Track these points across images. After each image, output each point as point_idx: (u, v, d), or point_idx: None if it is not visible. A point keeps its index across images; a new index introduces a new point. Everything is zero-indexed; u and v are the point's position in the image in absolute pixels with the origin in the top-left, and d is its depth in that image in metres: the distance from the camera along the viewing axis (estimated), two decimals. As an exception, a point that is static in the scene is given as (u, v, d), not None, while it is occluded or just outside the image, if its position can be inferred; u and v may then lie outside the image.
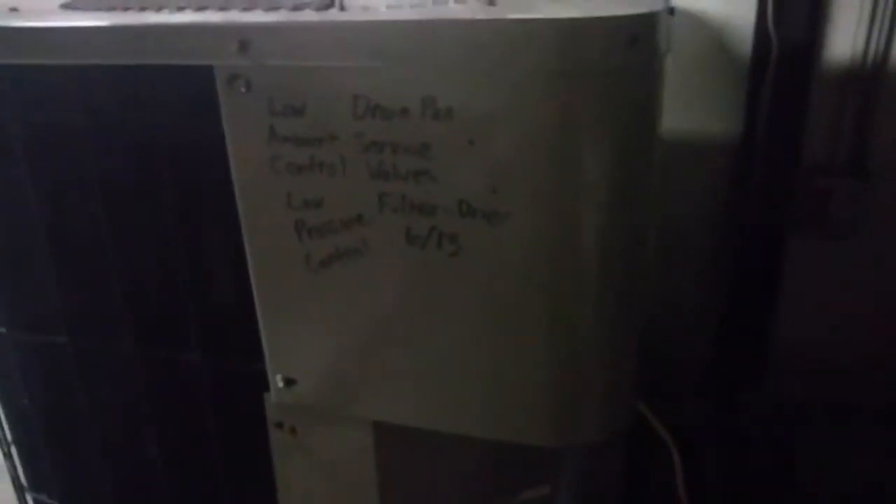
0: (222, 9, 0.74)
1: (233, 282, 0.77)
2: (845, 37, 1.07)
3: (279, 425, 0.79)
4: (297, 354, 0.75)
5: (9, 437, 1.01)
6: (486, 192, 0.66)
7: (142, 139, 0.76)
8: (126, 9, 0.76)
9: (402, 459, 0.79)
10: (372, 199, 0.69)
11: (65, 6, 0.80)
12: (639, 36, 0.63)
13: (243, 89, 0.68)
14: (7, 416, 1.01)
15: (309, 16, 0.69)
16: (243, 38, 0.66)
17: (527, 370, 0.71)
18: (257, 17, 0.68)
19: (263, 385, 0.78)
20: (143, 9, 0.75)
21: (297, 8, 0.71)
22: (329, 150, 0.68)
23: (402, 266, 0.70)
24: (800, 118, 1.13)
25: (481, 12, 0.64)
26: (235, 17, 0.70)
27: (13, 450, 1.02)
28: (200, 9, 0.74)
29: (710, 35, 1.10)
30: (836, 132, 1.14)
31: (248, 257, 0.74)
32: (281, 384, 0.76)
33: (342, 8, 0.71)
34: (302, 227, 0.72)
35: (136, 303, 0.84)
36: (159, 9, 0.75)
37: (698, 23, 1.08)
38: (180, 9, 0.75)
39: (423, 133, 0.65)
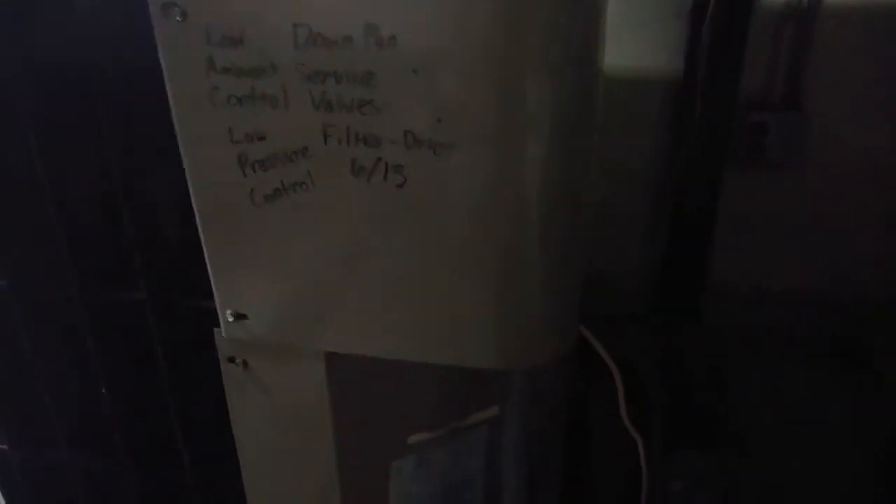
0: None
1: (178, 218, 0.76)
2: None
3: (231, 360, 0.80)
4: (246, 289, 0.76)
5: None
6: (431, 123, 0.67)
7: (77, 73, 0.73)
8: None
9: (355, 389, 0.81)
10: (316, 131, 0.68)
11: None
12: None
13: (178, 18, 0.66)
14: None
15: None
16: (176, -37, 0.63)
17: (474, 298, 0.73)
18: (189, -59, 0.66)
19: (213, 321, 0.78)
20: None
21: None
22: (270, 81, 0.67)
23: (349, 198, 0.71)
24: (739, 54, 1.15)
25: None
26: (166, -59, 0.67)
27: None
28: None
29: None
30: (772, 68, 1.17)
31: (192, 193, 0.73)
32: (231, 319, 0.76)
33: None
34: (245, 161, 0.71)
35: (78, 244, 0.82)
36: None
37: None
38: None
39: (367, 62, 0.64)
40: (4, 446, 1.04)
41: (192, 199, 0.73)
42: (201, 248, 0.75)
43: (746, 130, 1.20)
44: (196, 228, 0.74)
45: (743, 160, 1.22)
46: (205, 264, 0.75)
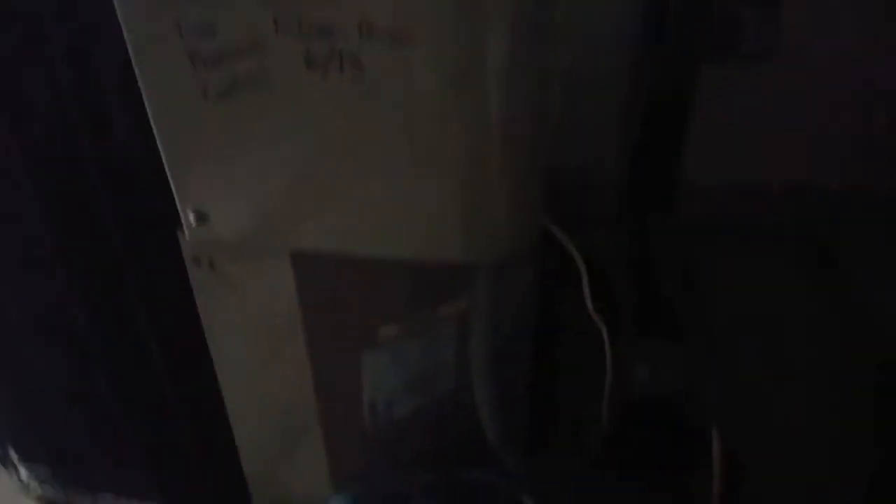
0: None
1: (133, 119, 0.74)
2: None
3: (196, 261, 0.80)
4: (206, 189, 0.75)
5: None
6: (388, 11, 0.64)
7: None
8: None
9: (323, 286, 0.82)
10: (266, 22, 0.66)
11: None
12: None
13: None
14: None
15: None
16: None
17: (438, 193, 0.73)
18: None
19: (176, 222, 0.77)
20: None
21: None
22: (215, -32, 0.63)
23: (306, 94, 0.69)
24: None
25: None
26: None
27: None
28: None
29: None
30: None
31: (144, 93, 0.71)
32: (193, 220, 0.76)
33: None
34: (196, 57, 0.68)
35: (31, 149, 0.80)
36: None
37: None
38: None
39: (315, -57, 0.61)
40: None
41: (145, 99, 0.71)
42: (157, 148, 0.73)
43: (721, 23, 1.17)
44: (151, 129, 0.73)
45: (717, 54, 1.20)
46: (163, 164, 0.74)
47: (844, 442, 1.24)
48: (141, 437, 1.07)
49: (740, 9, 1.15)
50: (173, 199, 0.76)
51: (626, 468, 1.06)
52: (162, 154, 0.73)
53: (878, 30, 1.13)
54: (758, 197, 1.41)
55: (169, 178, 0.74)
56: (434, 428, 1.04)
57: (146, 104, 0.72)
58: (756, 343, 1.29)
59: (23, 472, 1.21)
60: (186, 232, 0.77)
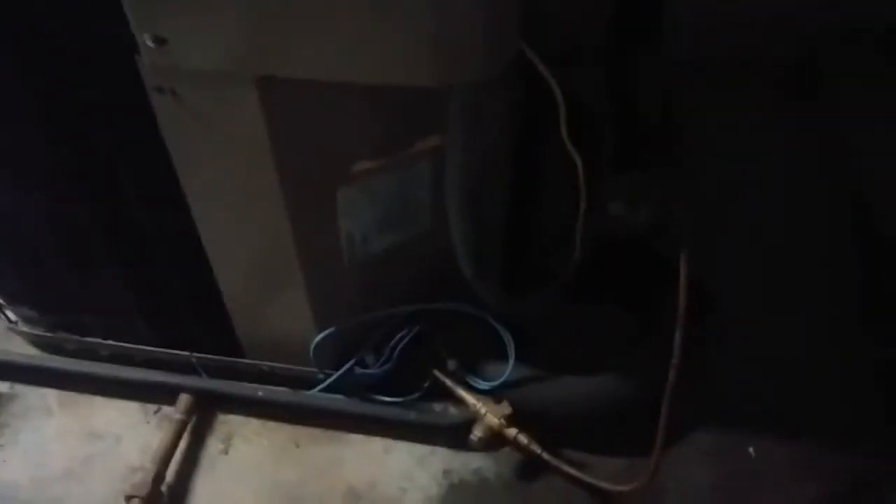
0: None
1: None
2: None
3: (159, 90, 0.77)
4: (163, 12, 0.70)
5: None
6: None
7: None
8: None
9: (292, 115, 0.79)
10: None
11: None
12: None
13: None
14: None
15: None
16: None
17: (407, 10, 0.69)
18: None
19: (134, 48, 0.73)
20: None
21: None
22: None
23: None
24: None
25: None
26: None
27: None
28: None
29: None
30: None
31: None
32: (151, 44, 0.72)
33: None
34: None
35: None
36: None
37: None
38: None
39: None
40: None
41: None
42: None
43: None
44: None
45: None
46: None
47: (818, 275, 1.29)
48: (124, 277, 1.08)
49: None
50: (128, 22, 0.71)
51: (597, 299, 1.10)
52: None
53: None
54: (743, 31, 1.36)
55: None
56: (411, 264, 1.06)
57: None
58: (732, 174, 1.30)
59: (10, 314, 1.24)
60: (144, 56, 0.73)
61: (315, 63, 0.73)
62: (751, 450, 1.11)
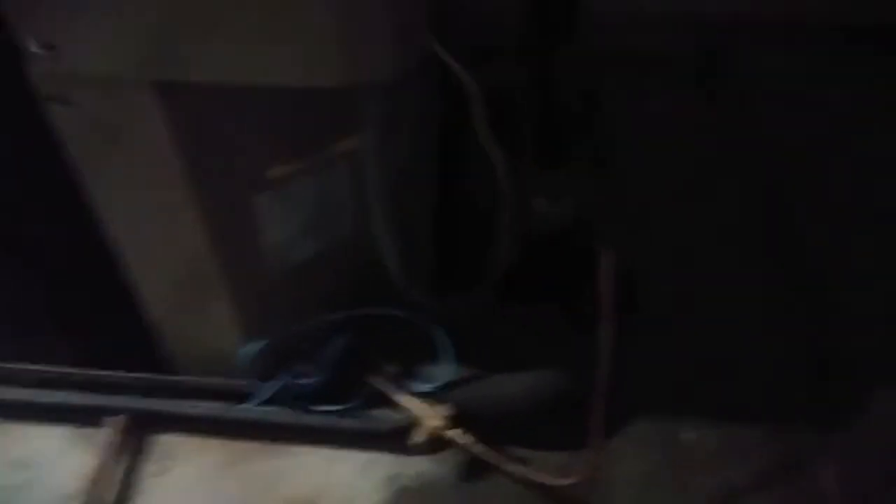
0: None
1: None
2: None
3: (51, 98, 0.73)
4: (47, 14, 0.67)
5: None
6: None
7: None
8: None
9: (197, 121, 0.77)
10: None
11: None
12: None
13: None
14: None
15: None
16: None
17: (315, 11, 0.68)
18: None
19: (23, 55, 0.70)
20: None
21: None
22: None
23: None
24: None
25: None
26: None
27: None
28: None
29: None
30: None
31: None
32: (38, 50, 0.68)
33: None
34: None
35: None
36: None
37: None
38: None
39: None
40: None
41: None
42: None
43: None
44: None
45: None
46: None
47: (739, 261, 1.32)
48: (41, 297, 1.04)
49: None
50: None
51: (526, 298, 1.10)
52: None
53: None
54: (659, 25, 1.39)
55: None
56: (337, 270, 1.04)
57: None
58: (651, 164, 1.32)
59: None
60: (33, 65, 0.70)
61: (215, 66, 0.71)
62: (686, 437, 1.12)
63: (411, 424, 1.07)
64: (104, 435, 1.11)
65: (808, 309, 1.22)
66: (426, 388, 1.09)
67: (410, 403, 1.08)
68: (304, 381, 1.08)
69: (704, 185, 1.42)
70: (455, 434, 1.05)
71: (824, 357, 1.17)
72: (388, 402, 1.11)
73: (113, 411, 1.13)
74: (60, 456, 1.14)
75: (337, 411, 1.11)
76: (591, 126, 1.03)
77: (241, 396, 1.12)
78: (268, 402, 1.11)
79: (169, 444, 1.15)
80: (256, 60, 0.71)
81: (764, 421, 1.12)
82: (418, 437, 1.06)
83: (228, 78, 0.72)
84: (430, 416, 1.06)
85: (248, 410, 1.12)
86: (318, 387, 1.09)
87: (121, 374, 1.13)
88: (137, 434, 1.15)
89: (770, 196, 1.32)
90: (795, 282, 1.25)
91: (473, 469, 1.09)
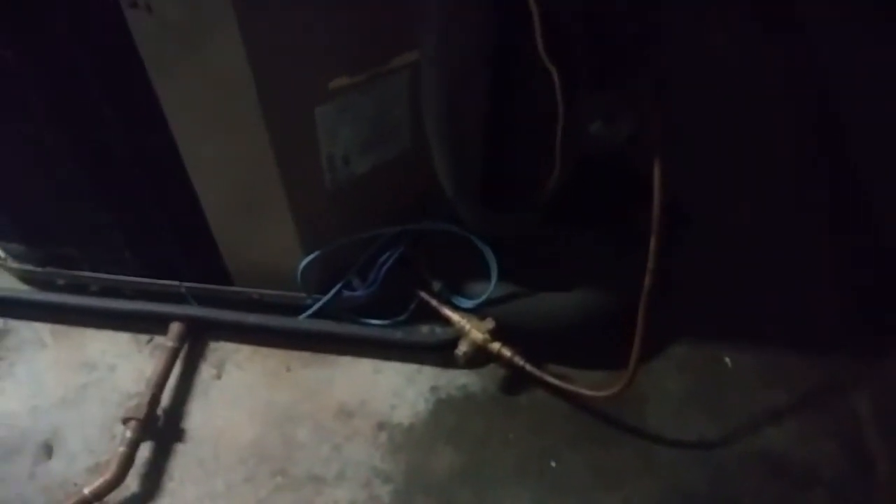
0: None
1: None
2: None
3: (133, 4, 0.76)
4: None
5: None
6: None
7: None
8: None
9: (268, 29, 0.79)
10: None
11: None
12: None
13: None
14: None
15: None
16: None
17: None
18: None
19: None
20: None
21: None
22: None
23: None
24: None
25: None
26: None
27: None
28: None
29: None
30: None
31: None
32: (121, -46, 0.71)
33: None
34: None
35: None
36: None
37: None
38: None
39: None
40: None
41: None
42: None
43: None
44: None
45: None
46: None
47: (787, 187, 1.31)
48: (108, 207, 1.09)
49: None
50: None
51: (575, 218, 1.12)
52: None
53: None
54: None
55: None
56: (394, 185, 1.07)
57: None
58: (707, 89, 1.30)
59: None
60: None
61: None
62: (727, 360, 1.15)
63: (456, 338, 1.12)
64: (165, 340, 1.18)
65: (853, 240, 1.22)
66: (472, 303, 1.13)
67: (456, 317, 1.12)
68: (355, 293, 1.13)
69: (758, 103, 1.39)
70: (497, 346, 1.09)
71: (867, 286, 1.18)
72: (436, 317, 1.15)
73: (173, 318, 1.19)
74: (123, 359, 1.22)
75: (386, 324, 1.16)
76: (649, 51, 1.02)
77: (295, 308, 1.17)
78: (320, 313, 1.16)
79: (225, 350, 1.21)
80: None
81: (809, 348, 1.15)
82: (462, 348, 1.10)
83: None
84: (475, 330, 1.10)
85: (301, 321, 1.17)
86: (368, 299, 1.13)
87: (182, 284, 1.18)
88: (195, 341, 1.22)
89: (822, 126, 1.31)
90: (843, 211, 1.25)
91: (514, 383, 1.13)
